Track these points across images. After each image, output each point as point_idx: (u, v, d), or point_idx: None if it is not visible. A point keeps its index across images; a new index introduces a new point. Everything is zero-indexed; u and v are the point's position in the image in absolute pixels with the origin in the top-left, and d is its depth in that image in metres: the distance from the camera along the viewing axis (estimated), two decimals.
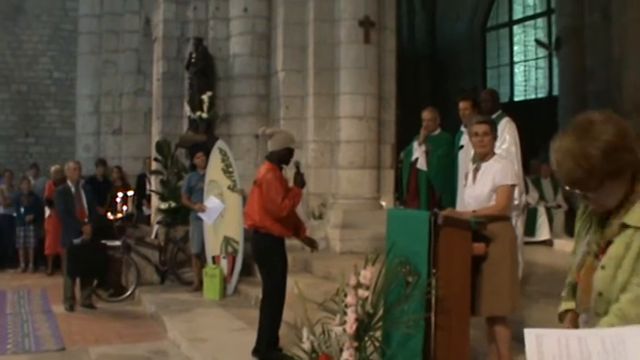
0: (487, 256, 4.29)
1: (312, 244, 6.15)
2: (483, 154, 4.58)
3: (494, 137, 4.63)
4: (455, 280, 4.18)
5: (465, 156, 6.40)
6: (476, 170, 4.62)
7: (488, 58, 19.47)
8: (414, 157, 7.42)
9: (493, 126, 4.63)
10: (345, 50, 9.69)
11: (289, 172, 6.14)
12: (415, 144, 7.40)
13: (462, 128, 6.73)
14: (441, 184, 7.13)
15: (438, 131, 7.38)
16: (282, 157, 5.77)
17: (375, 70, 9.78)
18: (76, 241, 8.20)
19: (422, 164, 7.33)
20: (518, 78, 18.73)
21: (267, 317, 5.68)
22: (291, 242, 6.16)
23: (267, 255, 5.74)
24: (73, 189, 8.44)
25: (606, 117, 2.02)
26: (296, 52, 10.08)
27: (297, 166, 5.90)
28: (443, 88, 18.94)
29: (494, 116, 5.84)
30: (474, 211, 4.39)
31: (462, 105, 6.63)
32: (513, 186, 4.51)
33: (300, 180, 5.77)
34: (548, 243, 9.16)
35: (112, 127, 13.19)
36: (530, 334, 2.06)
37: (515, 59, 18.80)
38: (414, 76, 18.22)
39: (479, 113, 6.03)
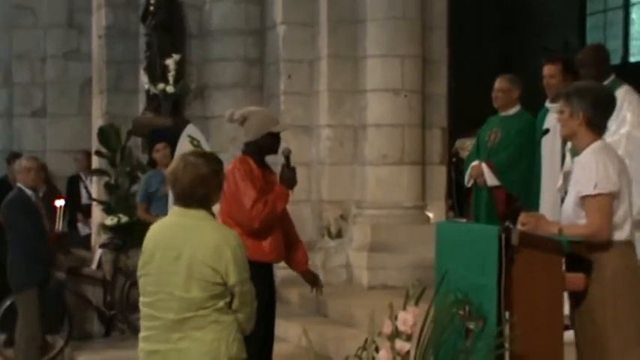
0: (587, 294, 4.25)
1: (313, 280, 6.06)
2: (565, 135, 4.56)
3: (571, 113, 4.49)
4: (539, 328, 4.17)
5: (552, 144, 6.37)
6: None
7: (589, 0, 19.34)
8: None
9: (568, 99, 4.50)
10: None
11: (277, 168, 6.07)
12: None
13: (547, 104, 6.70)
14: (516, 184, 7.12)
15: (516, 109, 7.36)
16: (263, 147, 5.70)
17: (417, 21, 9.76)
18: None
19: None
20: (636, 28, 18.54)
21: None
22: (296, 274, 6.15)
23: None
24: (32, 197, 8.42)
25: None
26: None
27: (287, 155, 5.78)
28: (518, 48, 18.86)
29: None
30: (559, 230, 4.33)
31: (546, 70, 6.63)
32: (609, 195, 4.29)
33: (288, 177, 5.67)
34: None
35: (31, 106, 13.25)
36: None
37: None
38: (475, 30, 18.16)
39: (574, 81, 5.98)
